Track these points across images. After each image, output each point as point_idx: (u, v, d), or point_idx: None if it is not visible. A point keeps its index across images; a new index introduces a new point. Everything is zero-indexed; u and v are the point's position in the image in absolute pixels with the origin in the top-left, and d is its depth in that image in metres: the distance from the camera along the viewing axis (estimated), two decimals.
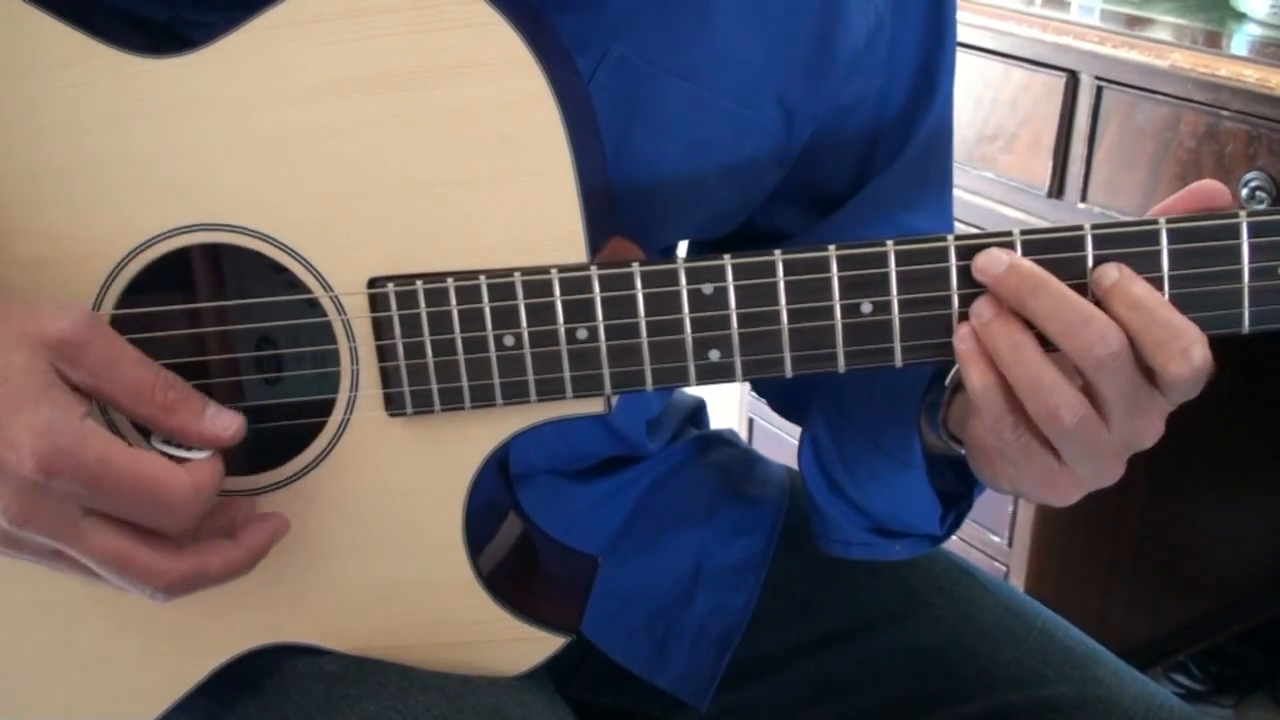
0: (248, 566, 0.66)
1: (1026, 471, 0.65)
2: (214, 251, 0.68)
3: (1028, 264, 0.61)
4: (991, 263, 0.61)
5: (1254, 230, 0.59)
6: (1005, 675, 0.84)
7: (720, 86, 0.76)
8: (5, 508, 0.60)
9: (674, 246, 0.82)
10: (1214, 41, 1.37)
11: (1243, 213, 0.59)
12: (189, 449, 0.64)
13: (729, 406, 1.63)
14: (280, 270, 0.67)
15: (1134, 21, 1.44)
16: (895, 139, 0.82)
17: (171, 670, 0.74)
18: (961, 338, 0.62)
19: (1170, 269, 0.60)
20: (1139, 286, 0.60)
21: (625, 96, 0.74)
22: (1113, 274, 0.61)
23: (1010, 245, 0.61)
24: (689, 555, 0.90)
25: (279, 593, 0.72)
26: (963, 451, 0.72)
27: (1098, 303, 0.60)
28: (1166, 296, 0.61)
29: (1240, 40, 1.38)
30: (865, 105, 0.81)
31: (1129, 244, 0.60)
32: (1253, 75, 1.24)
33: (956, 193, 1.52)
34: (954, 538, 1.74)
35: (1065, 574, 1.64)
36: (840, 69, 0.78)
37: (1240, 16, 1.44)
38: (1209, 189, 0.62)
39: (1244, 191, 1.26)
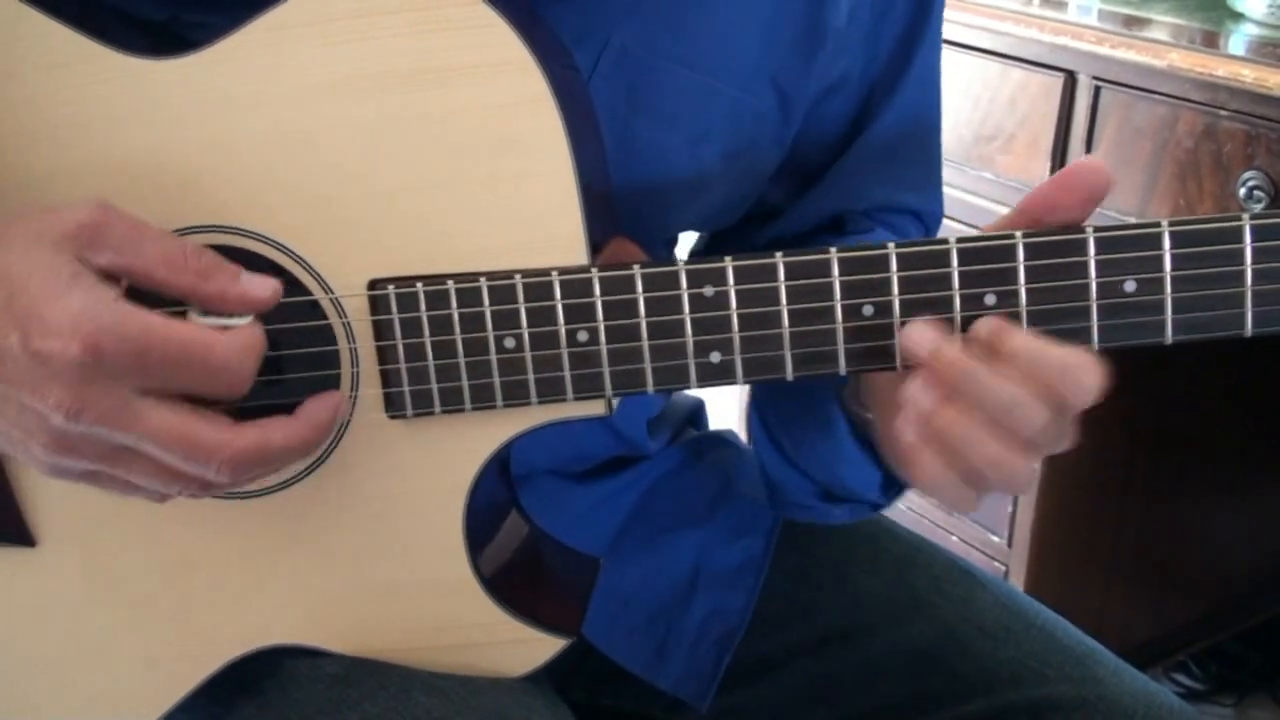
0: (310, 441, 0.65)
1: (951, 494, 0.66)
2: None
3: (954, 356, 0.61)
4: (917, 345, 0.62)
5: (1256, 233, 0.59)
6: (1005, 675, 0.84)
7: (719, 72, 0.76)
8: (58, 402, 0.58)
9: (676, 240, 0.82)
10: (1211, 41, 1.37)
11: (1245, 215, 0.59)
12: (227, 318, 0.63)
13: (728, 407, 1.63)
14: (280, 272, 0.67)
15: (1131, 21, 1.44)
16: (868, 114, 0.83)
17: (173, 672, 0.74)
18: (903, 429, 0.63)
19: (1172, 271, 0.60)
20: (1017, 338, 0.60)
21: (628, 87, 0.74)
22: (988, 324, 0.61)
23: (1013, 248, 0.61)
24: (689, 556, 0.90)
25: (280, 594, 0.72)
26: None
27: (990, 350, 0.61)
28: (1169, 298, 0.61)
29: (1238, 40, 1.38)
30: (849, 83, 0.81)
31: (1131, 247, 0.60)
32: (1250, 75, 1.24)
33: (954, 193, 1.53)
34: (954, 537, 1.74)
35: (1065, 573, 1.64)
36: (828, 47, 0.78)
37: (1238, 16, 1.44)
38: (1087, 167, 0.61)
39: (1242, 191, 1.26)
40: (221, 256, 0.63)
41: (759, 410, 0.84)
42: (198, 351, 0.60)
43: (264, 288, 0.63)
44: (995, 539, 1.62)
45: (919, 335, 0.62)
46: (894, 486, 0.79)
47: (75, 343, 0.57)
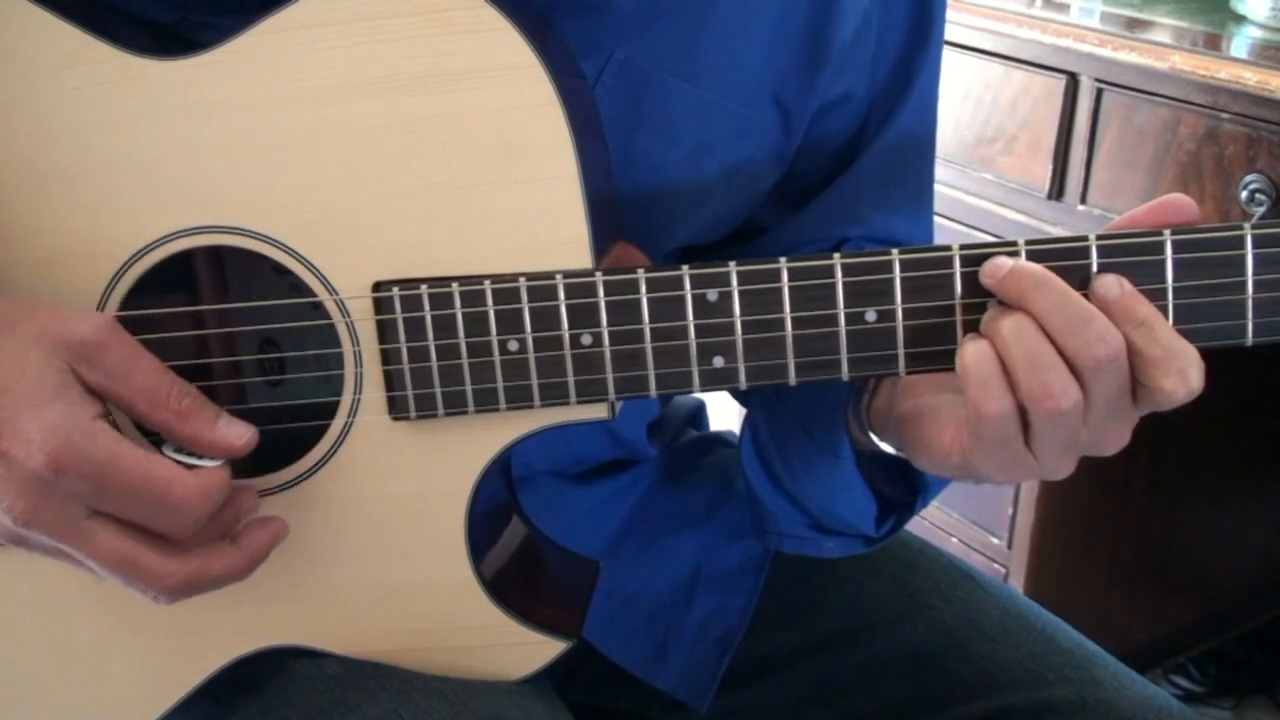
0: (247, 571, 0.66)
1: (988, 454, 0.65)
2: (219, 254, 0.68)
3: (1032, 264, 0.61)
4: (996, 266, 0.62)
5: (1258, 242, 0.59)
6: (1005, 677, 0.84)
7: (722, 88, 0.76)
8: (10, 505, 0.60)
9: (677, 252, 0.82)
10: (1214, 44, 1.37)
11: (1247, 225, 0.59)
12: (199, 457, 0.64)
13: (728, 408, 1.63)
14: (285, 273, 0.67)
15: (1134, 24, 1.44)
16: (867, 135, 0.82)
17: (173, 672, 0.74)
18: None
19: (1174, 280, 0.60)
20: (1143, 306, 0.61)
21: (630, 100, 0.74)
22: (1115, 288, 0.61)
23: (1015, 254, 0.61)
24: (689, 557, 0.90)
25: (281, 595, 0.72)
26: (885, 446, 0.73)
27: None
28: (1171, 307, 0.61)
29: (1240, 43, 1.38)
30: (848, 104, 0.81)
31: (1134, 254, 0.60)
32: (1253, 78, 1.24)
33: (956, 194, 1.53)
34: (954, 539, 1.74)
35: (1065, 576, 1.64)
36: (830, 65, 0.78)
37: (1240, 19, 1.44)
38: (1179, 203, 0.62)
39: (1243, 194, 1.26)
40: (205, 398, 0.64)
41: (754, 437, 0.84)
42: (156, 488, 0.61)
43: (239, 435, 0.64)
44: (995, 541, 1.62)
45: (999, 259, 0.62)
46: (887, 521, 0.79)
47: (40, 455, 0.59)
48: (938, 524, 1.70)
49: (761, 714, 0.89)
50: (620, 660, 0.87)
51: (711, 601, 0.89)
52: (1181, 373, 0.60)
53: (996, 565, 1.62)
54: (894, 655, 0.87)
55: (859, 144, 0.83)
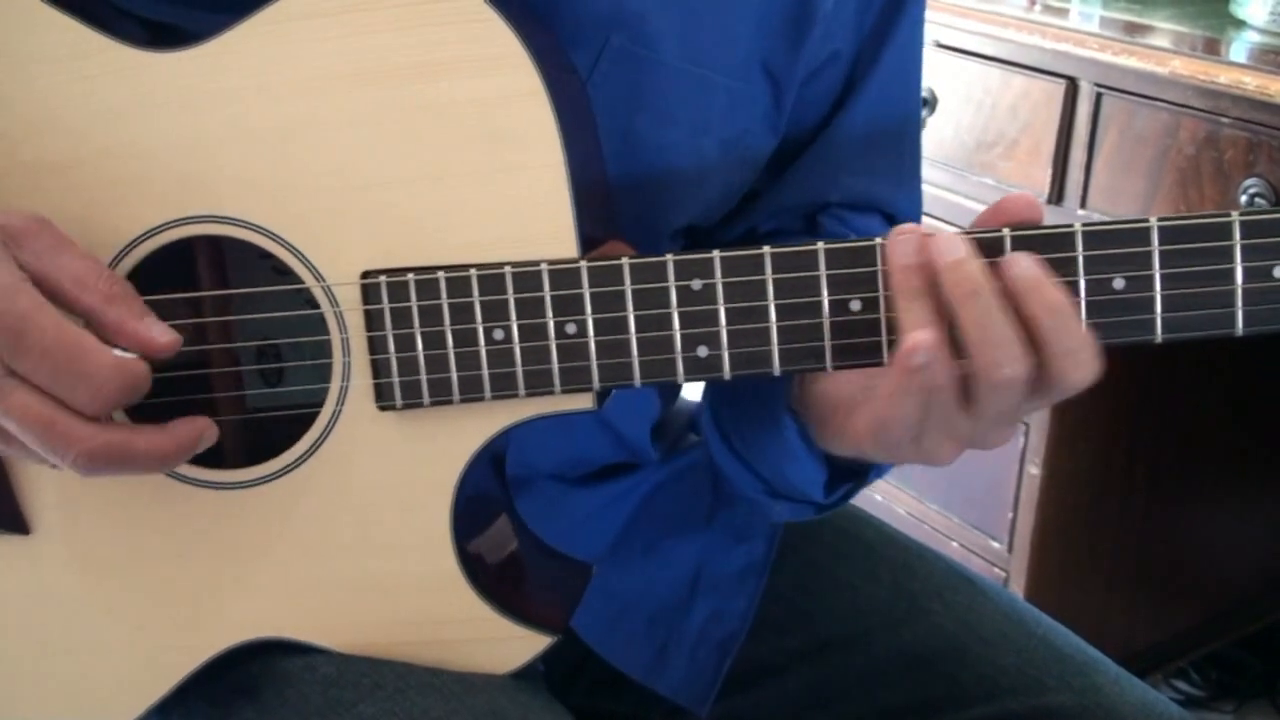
0: (173, 458, 0.64)
1: (887, 434, 0.64)
2: (210, 244, 0.69)
3: (974, 266, 0.60)
4: (951, 247, 0.60)
5: (1246, 230, 0.59)
6: (1005, 682, 0.84)
7: (715, 64, 0.76)
8: None
9: (682, 233, 0.82)
10: (1213, 48, 1.37)
11: (1235, 213, 0.59)
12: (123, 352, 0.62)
13: None
14: (274, 262, 0.67)
15: (1133, 28, 1.44)
16: (849, 90, 0.83)
17: (159, 664, 0.74)
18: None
19: (1162, 268, 0.60)
20: (1057, 292, 0.60)
21: (627, 85, 0.74)
22: (1032, 270, 0.60)
23: (1000, 241, 0.61)
24: (689, 561, 0.89)
25: (268, 586, 0.72)
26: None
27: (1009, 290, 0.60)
28: (1159, 296, 0.61)
29: (1239, 47, 1.38)
30: (833, 68, 0.81)
31: (1120, 243, 0.60)
32: (1252, 82, 1.24)
33: (956, 198, 1.53)
34: (953, 543, 1.73)
35: (1065, 580, 1.64)
36: (816, 31, 0.78)
37: (1240, 24, 1.44)
38: (1022, 201, 0.62)
39: (1243, 198, 1.26)
40: (137, 295, 0.64)
41: (712, 406, 0.84)
42: (71, 351, 0.60)
43: (163, 333, 0.63)
44: (995, 545, 1.62)
45: (954, 240, 0.61)
46: (839, 488, 0.79)
47: None
48: (937, 528, 1.70)
49: (761, 718, 0.89)
50: (621, 664, 0.86)
51: (712, 605, 0.88)
52: (1088, 364, 0.60)
53: (996, 569, 1.62)
54: (893, 660, 0.87)
55: (840, 104, 0.82)
